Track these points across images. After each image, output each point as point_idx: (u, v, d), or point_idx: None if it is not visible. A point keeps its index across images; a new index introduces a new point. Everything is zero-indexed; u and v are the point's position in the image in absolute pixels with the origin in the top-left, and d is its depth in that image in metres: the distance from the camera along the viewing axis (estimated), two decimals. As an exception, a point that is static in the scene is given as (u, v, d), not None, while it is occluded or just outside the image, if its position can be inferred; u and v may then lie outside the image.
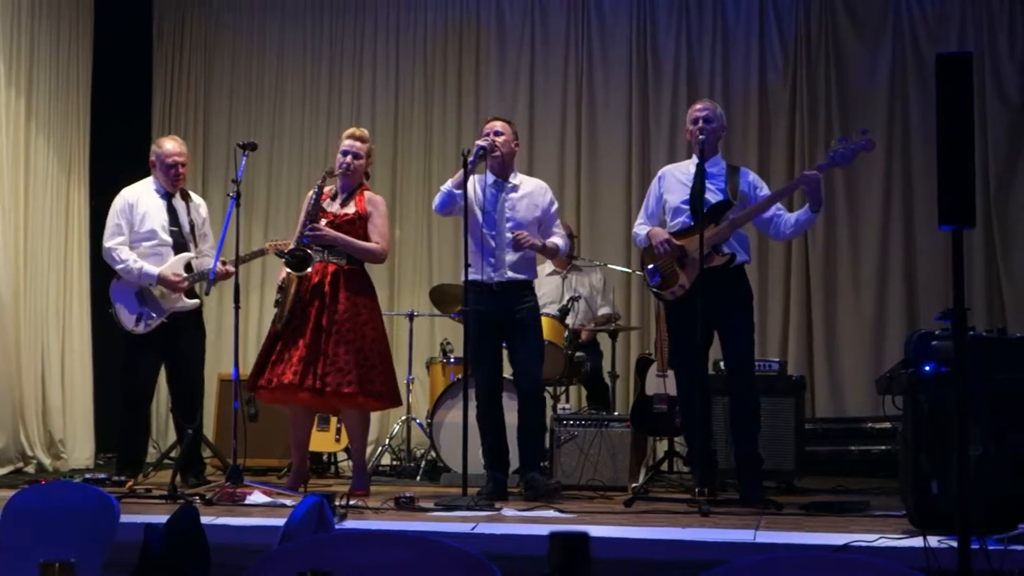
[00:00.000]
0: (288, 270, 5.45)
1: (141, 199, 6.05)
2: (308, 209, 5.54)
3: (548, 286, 7.01)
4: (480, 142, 5.51)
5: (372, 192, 5.72)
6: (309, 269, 5.41)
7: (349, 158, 5.58)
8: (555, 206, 5.74)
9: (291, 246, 5.52)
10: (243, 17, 8.51)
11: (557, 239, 5.67)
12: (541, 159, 8.00)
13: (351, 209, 5.57)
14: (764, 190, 5.49)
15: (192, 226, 6.11)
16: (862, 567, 1.91)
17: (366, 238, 5.56)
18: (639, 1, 8.07)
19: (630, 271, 7.49)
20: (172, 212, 6.08)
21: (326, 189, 5.62)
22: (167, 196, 6.09)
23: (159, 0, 8.54)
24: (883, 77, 7.74)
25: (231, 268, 5.76)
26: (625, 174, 8.00)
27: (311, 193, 5.64)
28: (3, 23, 6.80)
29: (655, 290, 5.51)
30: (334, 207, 5.59)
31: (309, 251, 5.43)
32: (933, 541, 3.65)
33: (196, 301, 6.05)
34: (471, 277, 5.45)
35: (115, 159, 7.67)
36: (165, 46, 8.49)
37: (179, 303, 5.98)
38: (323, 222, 5.50)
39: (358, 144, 5.62)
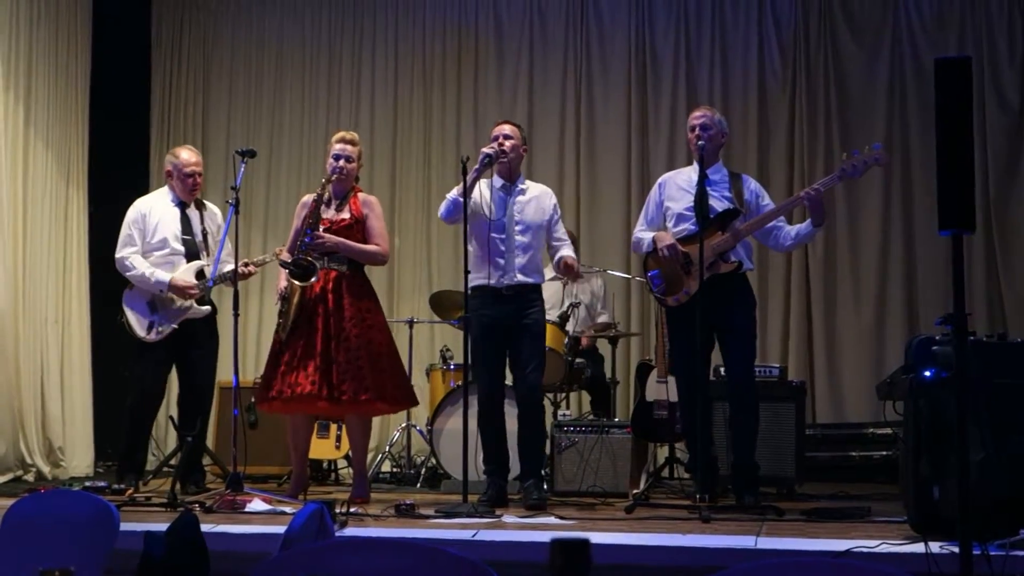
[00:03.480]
0: (291, 280, 5.41)
1: (154, 209, 6.06)
2: (306, 217, 5.50)
3: (548, 291, 6.99)
4: (486, 149, 5.45)
5: (365, 193, 5.71)
6: (313, 279, 5.37)
7: (342, 162, 5.55)
8: (559, 213, 5.73)
9: (284, 256, 5.50)
10: (241, 23, 8.52)
11: (567, 250, 5.63)
12: (540, 164, 7.99)
13: (347, 214, 5.55)
14: (766, 199, 5.49)
15: (205, 234, 6.11)
16: (861, 573, 1.90)
17: (364, 241, 5.55)
18: (637, 5, 8.08)
19: (629, 277, 7.48)
20: (186, 221, 6.08)
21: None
22: (181, 205, 6.10)
23: (157, 7, 8.55)
24: (882, 82, 7.74)
25: (253, 269, 5.95)
26: (624, 179, 7.99)
27: (307, 199, 5.60)
28: (1, 29, 6.79)
29: (658, 296, 5.50)
30: (329, 213, 5.55)
31: (313, 261, 5.39)
32: (935, 547, 3.64)
33: (207, 308, 6.04)
34: (478, 282, 5.44)
35: (114, 166, 7.70)
36: (163, 53, 8.50)
37: (191, 310, 5.98)
38: (320, 229, 5.48)
39: (349, 148, 5.60)
